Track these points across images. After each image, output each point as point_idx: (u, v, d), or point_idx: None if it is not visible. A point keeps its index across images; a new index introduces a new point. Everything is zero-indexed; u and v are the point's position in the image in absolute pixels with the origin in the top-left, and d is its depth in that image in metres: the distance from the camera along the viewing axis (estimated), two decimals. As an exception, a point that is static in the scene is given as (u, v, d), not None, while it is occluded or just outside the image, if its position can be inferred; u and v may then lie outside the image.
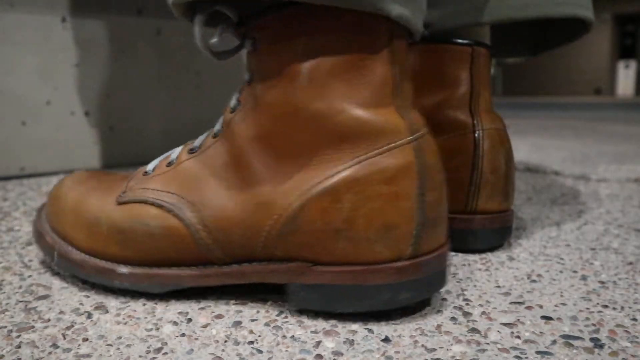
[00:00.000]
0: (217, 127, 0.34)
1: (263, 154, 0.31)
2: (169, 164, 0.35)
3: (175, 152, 0.36)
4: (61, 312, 0.32)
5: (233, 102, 0.33)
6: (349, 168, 0.29)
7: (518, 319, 0.31)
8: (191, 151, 0.34)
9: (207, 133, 0.35)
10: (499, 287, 0.36)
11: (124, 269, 0.34)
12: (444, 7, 0.45)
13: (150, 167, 0.36)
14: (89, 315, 0.32)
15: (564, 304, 0.33)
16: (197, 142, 0.35)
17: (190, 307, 0.33)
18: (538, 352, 0.27)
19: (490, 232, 0.43)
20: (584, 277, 0.38)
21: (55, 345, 0.28)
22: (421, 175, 0.30)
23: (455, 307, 0.33)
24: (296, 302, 0.31)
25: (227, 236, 0.32)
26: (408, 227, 0.29)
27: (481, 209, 0.43)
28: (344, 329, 0.30)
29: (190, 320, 0.31)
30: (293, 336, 0.29)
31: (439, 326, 0.30)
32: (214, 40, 0.31)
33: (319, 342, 0.28)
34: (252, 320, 0.31)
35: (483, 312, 0.32)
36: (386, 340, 0.29)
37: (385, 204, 0.29)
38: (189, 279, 0.33)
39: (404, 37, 0.31)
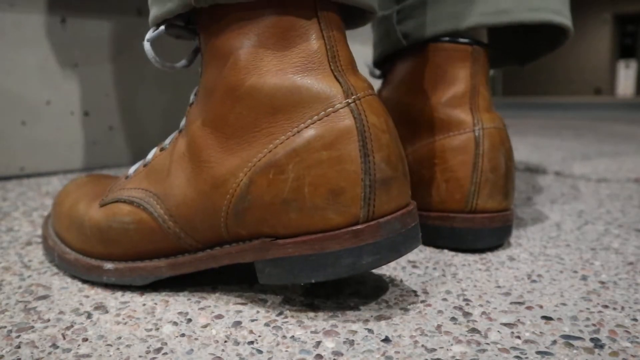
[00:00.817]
0: (182, 123, 0.35)
1: (212, 138, 0.32)
2: (145, 165, 0.37)
3: (151, 153, 0.37)
4: (61, 312, 0.32)
5: (192, 97, 0.35)
6: (288, 138, 0.30)
7: (518, 319, 0.31)
8: (162, 149, 0.36)
9: (177, 131, 0.37)
10: (499, 287, 0.36)
11: (109, 265, 0.36)
12: (418, 17, 0.46)
13: (131, 170, 0.38)
14: (89, 315, 0.32)
15: (564, 304, 0.33)
16: (167, 140, 0.37)
17: (190, 307, 0.33)
18: (538, 352, 0.27)
19: (490, 232, 0.43)
20: (584, 277, 0.38)
21: (55, 346, 0.28)
22: (363, 136, 0.29)
23: (455, 307, 0.33)
24: (264, 279, 0.32)
25: (191, 223, 0.33)
26: (355, 190, 0.29)
27: (481, 208, 0.43)
28: (344, 329, 0.30)
29: (190, 320, 0.31)
30: (293, 336, 0.29)
31: (439, 326, 0.30)
32: (182, 62, 0.35)
33: (319, 342, 0.28)
34: (252, 320, 0.31)
35: (483, 312, 0.32)
36: (386, 340, 0.29)
37: (328, 170, 0.29)
38: (167, 269, 0.35)
39: (334, 5, 0.32)
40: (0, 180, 0.78)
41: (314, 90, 0.30)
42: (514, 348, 0.28)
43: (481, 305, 0.33)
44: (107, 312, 0.32)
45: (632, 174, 0.84)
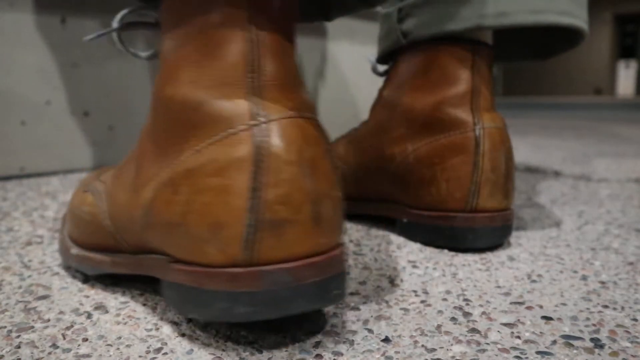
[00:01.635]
0: None
1: (149, 143, 0.30)
2: None
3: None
4: (61, 312, 0.32)
5: None
6: (187, 158, 0.27)
7: (518, 319, 0.31)
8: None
9: None
10: (499, 287, 0.36)
11: (74, 250, 0.37)
12: (418, 16, 0.46)
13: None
14: (89, 316, 0.32)
15: (564, 304, 0.33)
16: None
17: (190, 307, 0.33)
18: (538, 352, 0.27)
19: (491, 231, 0.43)
20: (584, 277, 0.38)
21: (55, 346, 0.28)
22: (257, 167, 0.25)
23: (455, 307, 0.33)
24: (166, 300, 0.29)
25: (121, 225, 0.33)
26: (236, 228, 0.25)
27: (481, 207, 0.43)
28: (344, 329, 0.30)
29: (190, 320, 0.31)
30: (293, 336, 0.29)
31: (439, 326, 0.30)
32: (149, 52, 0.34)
33: (318, 342, 0.28)
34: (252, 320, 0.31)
35: (483, 312, 0.32)
36: (386, 340, 0.29)
37: (214, 199, 0.25)
38: (109, 265, 0.35)
39: (269, 9, 0.27)
40: (0, 180, 0.78)
41: (217, 108, 0.26)
42: (514, 348, 0.28)
43: (481, 305, 0.33)
44: (107, 312, 0.32)
45: (632, 174, 0.84)
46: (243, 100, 0.26)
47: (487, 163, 0.43)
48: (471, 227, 0.43)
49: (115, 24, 0.32)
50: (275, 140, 0.26)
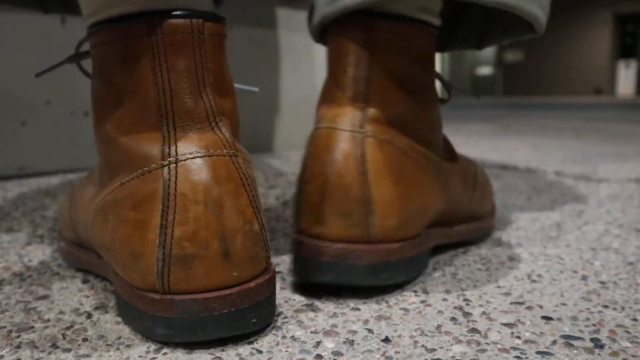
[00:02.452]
0: None
1: (103, 160, 0.32)
2: None
3: None
4: (61, 313, 0.32)
5: None
6: (115, 189, 0.29)
7: (518, 319, 0.31)
8: None
9: None
10: (499, 287, 0.36)
11: (62, 243, 0.40)
12: None
13: None
14: (89, 316, 0.32)
15: (564, 304, 0.33)
16: None
17: (190, 307, 0.33)
18: (538, 353, 0.27)
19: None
20: (584, 277, 0.38)
21: (55, 346, 0.28)
22: (165, 206, 0.27)
23: (455, 307, 0.33)
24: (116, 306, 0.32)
25: (76, 225, 0.36)
26: (150, 260, 0.27)
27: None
28: (344, 329, 0.30)
29: (190, 320, 0.31)
30: (293, 336, 0.29)
31: (439, 326, 0.30)
32: None
33: (319, 342, 0.28)
34: (252, 321, 0.31)
35: (483, 312, 0.32)
36: (386, 340, 0.29)
37: (132, 231, 0.28)
38: (84, 262, 0.38)
39: (178, 52, 0.27)
40: (0, 180, 0.78)
41: (134, 147, 0.28)
42: (514, 348, 0.28)
43: (481, 305, 0.33)
44: (107, 312, 0.32)
45: (632, 174, 0.84)
46: (157, 141, 0.28)
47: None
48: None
49: (66, 58, 0.35)
50: (182, 179, 0.27)
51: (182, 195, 0.27)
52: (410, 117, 0.35)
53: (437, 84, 0.40)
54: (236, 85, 0.34)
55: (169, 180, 0.27)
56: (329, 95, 0.35)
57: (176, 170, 0.27)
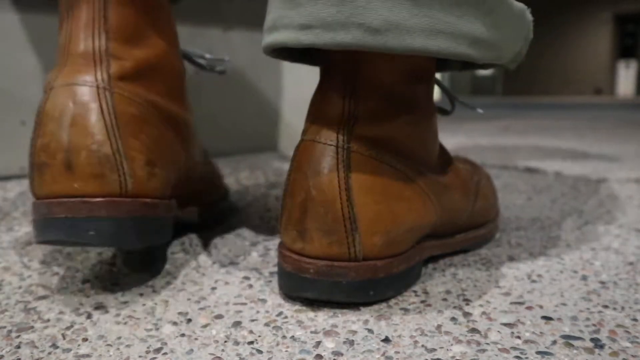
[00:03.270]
0: None
1: None
2: None
3: None
4: (61, 312, 0.32)
5: None
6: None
7: (518, 319, 0.31)
8: None
9: None
10: (499, 287, 0.36)
11: None
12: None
13: None
14: (89, 315, 0.32)
15: (564, 304, 0.33)
16: None
17: (190, 307, 0.33)
18: (538, 353, 0.27)
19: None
20: (584, 277, 0.38)
21: (55, 346, 0.28)
22: (36, 122, 0.33)
23: (455, 307, 0.33)
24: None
25: None
26: (29, 167, 0.34)
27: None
28: (344, 329, 0.30)
29: (190, 320, 0.31)
30: (293, 336, 0.29)
31: (439, 326, 0.30)
32: None
33: (319, 342, 0.28)
34: (252, 321, 0.31)
35: (483, 312, 0.32)
36: (386, 340, 0.29)
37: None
38: None
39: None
40: (0, 180, 0.78)
41: (48, 76, 0.35)
42: (514, 348, 0.28)
43: (481, 305, 0.33)
44: (107, 312, 0.32)
45: (632, 174, 0.84)
46: (55, 72, 0.34)
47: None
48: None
49: None
50: (49, 101, 0.33)
51: (45, 113, 0.33)
52: (400, 132, 0.35)
53: (443, 95, 0.38)
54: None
55: (43, 102, 0.33)
56: (317, 107, 0.35)
57: (49, 95, 0.34)
